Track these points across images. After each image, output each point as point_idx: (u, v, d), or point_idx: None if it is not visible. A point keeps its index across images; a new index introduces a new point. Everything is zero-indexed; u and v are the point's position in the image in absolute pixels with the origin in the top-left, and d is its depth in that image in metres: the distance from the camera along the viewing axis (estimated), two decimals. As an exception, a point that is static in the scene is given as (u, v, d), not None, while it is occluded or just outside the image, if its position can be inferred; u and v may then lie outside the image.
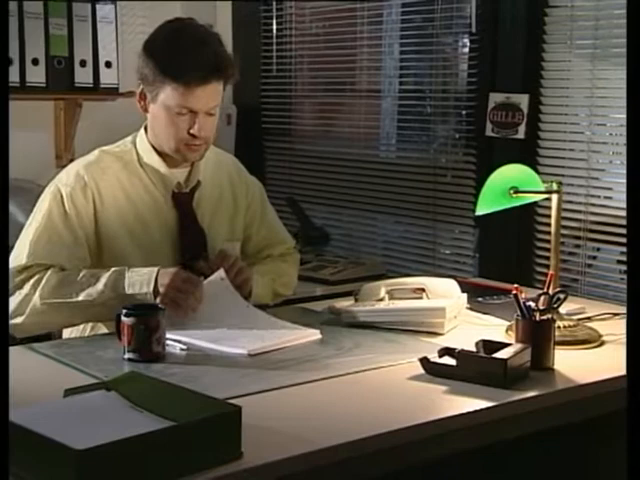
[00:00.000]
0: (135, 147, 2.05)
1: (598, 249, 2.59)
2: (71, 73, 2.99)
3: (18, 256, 1.92)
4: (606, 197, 2.58)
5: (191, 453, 1.24)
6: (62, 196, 1.97)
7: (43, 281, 1.88)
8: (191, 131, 1.94)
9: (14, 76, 2.90)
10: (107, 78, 3.06)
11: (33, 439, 1.20)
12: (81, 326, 2.02)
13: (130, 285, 1.86)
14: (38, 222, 1.96)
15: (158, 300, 1.84)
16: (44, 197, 2.00)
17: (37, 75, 2.93)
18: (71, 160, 2.21)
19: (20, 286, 1.89)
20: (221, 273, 1.93)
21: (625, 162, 2.51)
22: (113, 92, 3.07)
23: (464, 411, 1.53)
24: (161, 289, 1.85)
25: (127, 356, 1.73)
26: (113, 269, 1.89)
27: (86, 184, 1.98)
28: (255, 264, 2.15)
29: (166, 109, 1.93)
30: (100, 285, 1.87)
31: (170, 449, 1.22)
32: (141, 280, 1.86)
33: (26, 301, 1.88)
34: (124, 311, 1.74)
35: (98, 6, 3.03)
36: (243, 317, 1.95)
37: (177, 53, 1.90)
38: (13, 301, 1.87)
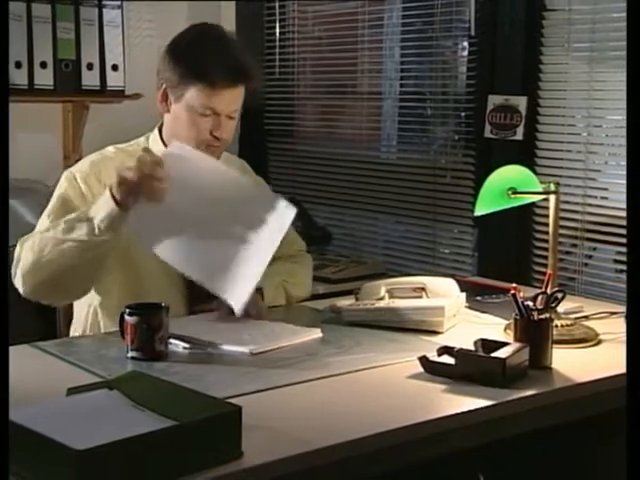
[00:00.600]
0: (148, 147, 2.02)
1: (594, 248, 2.56)
2: (78, 76, 2.98)
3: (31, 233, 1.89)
4: (602, 197, 2.55)
5: (191, 453, 1.21)
6: (77, 179, 1.96)
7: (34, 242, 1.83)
8: (214, 133, 1.91)
9: (23, 79, 2.89)
10: (114, 81, 3.05)
11: (34, 439, 1.17)
12: (87, 325, 1.99)
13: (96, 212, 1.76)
14: (53, 203, 1.95)
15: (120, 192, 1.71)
16: (60, 183, 1.98)
17: (45, 78, 2.92)
18: (77, 160, 2.19)
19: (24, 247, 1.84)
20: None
21: (621, 163, 2.50)
22: (119, 94, 3.06)
23: (463, 410, 1.49)
24: (118, 191, 1.71)
25: (130, 354, 1.70)
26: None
27: (100, 172, 1.97)
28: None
29: (189, 110, 1.91)
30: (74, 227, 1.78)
31: (170, 449, 1.19)
32: (99, 204, 1.76)
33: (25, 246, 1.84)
34: (127, 310, 1.71)
35: (105, 10, 3.01)
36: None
37: (204, 55, 1.89)
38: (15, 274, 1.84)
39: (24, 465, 1.19)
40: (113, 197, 1.72)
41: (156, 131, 2.04)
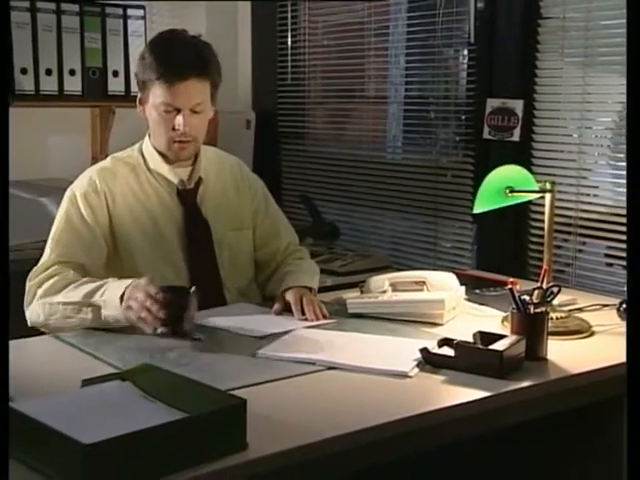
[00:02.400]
0: (141, 152, 1.99)
1: (584, 243, 2.48)
2: (105, 82, 2.92)
3: (43, 257, 1.88)
4: (594, 195, 2.46)
5: (197, 445, 1.13)
6: (77, 199, 1.92)
7: (49, 282, 1.81)
8: (176, 127, 1.87)
9: (53, 85, 2.83)
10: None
11: (45, 431, 1.10)
12: None
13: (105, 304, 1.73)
14: (58, 224, 1.92)
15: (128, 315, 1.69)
16: (63, 202, 1.96)
17: (74, 84, 2.86)
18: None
19: (39, 285, 1.82)
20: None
21: (610, 162, 2.43)
22: (143, 99, 2.99)
23: (462, 401, 1.42)
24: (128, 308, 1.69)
25: (159, 330, 1.66)
26: (98, 294, 1.74)
27: (98, 187, 1.93)
28: (279, 268, 2.05)
29: (155, 109, 1.88)
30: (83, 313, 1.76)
31: (176, 442, 1.12)
32: (110, 296, 1.72)
33: (38, 304, 1.81)
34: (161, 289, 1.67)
35: (129, 21, 2.96)
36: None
37: (161, 54, 1.86)
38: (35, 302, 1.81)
39: (35, 456, 1.12)
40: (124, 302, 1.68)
41: (147, 137, 1.99)
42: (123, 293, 1.69)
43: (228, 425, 1.17)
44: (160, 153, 1.96)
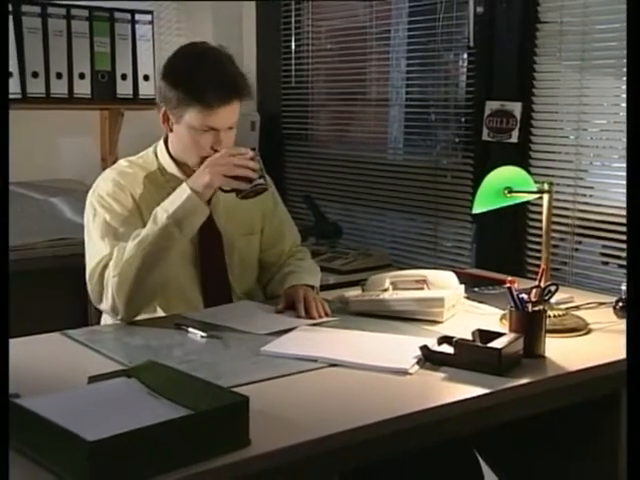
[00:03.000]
0: (157, 158, 1.92)
1: (580, 242, 2.45)
2: (113, 86, 2.89)
3: (90, 260, 1.80)
4: (590, 195, 2.44)
5: (200, 442, 1.11)
6: (104, 198, 1.83)
7: (110, 264, 1.75)
8: (215, 147, 1.81)
9: (63, 89, 2.81)
10: (145, 90, 2.96)
11: (50, 428, 1.09)
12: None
13: (169, 205, 1.74)
14: (94, 228, 1.82)
15: (208, 182, 1.74)
16: (90, 209, 1.85)
17: (84, 87, 2.84)
18: (114, 162, 2.10)
19: (102, 273, 1.75)
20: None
21: (605, 163, 2.41)
22: (150, 102, 2.95)
23: (461, 398, 1.39)
24: (205, 178, 1.74)
25: (256, 182, 1.75)
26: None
27: (124, 186, 1.85)
28: (281, 269, 2.02)
29: (190, 129, 1.80)
30: (145, 230, 1.73)
31: (179, 439, 1.10)
32: (174, 196, 1.75)
33: (109, 287, 1.74)
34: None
35: (137, 26, 2.93)
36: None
37: (197, 77, 1.76)
38: (106, 297, 1.75)
39: (41, 452, 1.10)
40: (190, 187, 1.72)
41: (162, 142, 1.92)
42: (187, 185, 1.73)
43: (231, 422, 1.15)
44: (177, 162, 1.89)
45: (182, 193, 1.74)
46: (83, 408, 1.22)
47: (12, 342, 1.61)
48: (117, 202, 1.83)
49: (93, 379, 1.34)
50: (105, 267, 1.76)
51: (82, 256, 1.85)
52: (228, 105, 1.78)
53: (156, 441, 1.07)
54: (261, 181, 1.76)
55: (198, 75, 1.77)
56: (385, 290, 1.92)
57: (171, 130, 1.85)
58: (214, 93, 1.75)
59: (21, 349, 1.61)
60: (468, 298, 1.98)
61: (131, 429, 1.06)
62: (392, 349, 1.59)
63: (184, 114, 1.79)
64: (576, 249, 2.47)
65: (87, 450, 1.02)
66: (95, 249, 1.80)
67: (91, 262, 1.79)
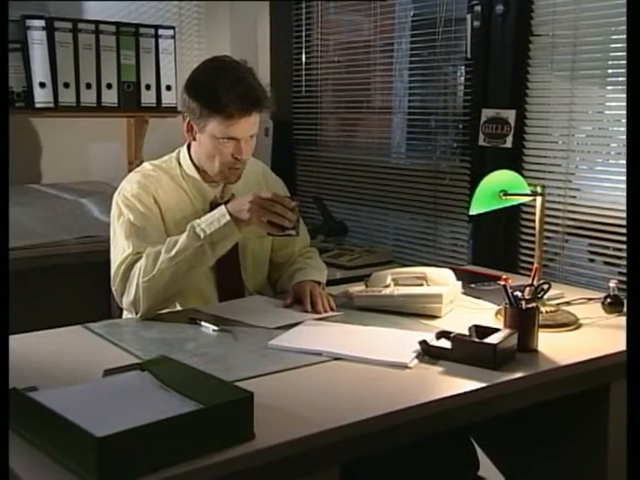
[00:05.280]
0: (179, 163, 1.84)
1: (567, 240, 2.36)
2: (138, 95, 2.83)
3: (116, 259, 1.72)
4: (573, 196, 2.34)
5: (206, 437, 1.04)
6: (129, 199, 1.76)
7: (138, 264, 1.67)
8: (235, 155, 1.73)
9: (92, 98, 2.75)
10: (168, 99, 2.89)
11: (61, 422, 1.01)
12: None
13: (207, 226, 1.65)
14: (119, 228, 1.74)
15: (248, 220, 1.64)
16: (116, 210, 1.77)
17: (111, 97, 2.78)
18: (139, 165, 2.03)
19: (125, 276, 1.68)
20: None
21: (593, 167, 2.32)
22: (173, 110, 2.90)
23: (459, 391, 1.31)
24: (245, 214, 1.64)
25: (287, 232, 1.66)
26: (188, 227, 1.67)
27: (149, 188, 1.77)
28: (292, 265, 1.94)
29: (212, 138, 1.72)
30: (180, 244, 1.64)
31: (185, 434, 1.02)
32: (212, 218, 1.66)
33: (135, 287, 1.66)
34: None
35: (160, 40, 2.87)
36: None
37: (219, 90, 1.68)
38: (129, 293, 1.67)
39: (53, 445, 1.03)
40: (230, 214, 1.64)
41: (185, 149, 1.85)
42: (228, 211, 1.64)
43: (236, 417, 1.08)
44: (198, 169, 1.81)
45: (221, 218, 1.65)
46: (96, 402, 1.15)
47: (34, 335, 1.57)
48: (140, 202, 1.76)
49: (108, 372, 1.27)
50: (128, 266, 1.68)
51: (108, 252, 1.78)
52: (249, 116, 1.70)
53: (162, 436, 1.00)
54: (292, 232, 1.66)
55: (220, 87, 1.68)
56: (387, 286, 1.84)
57: (194, 139, 1.78)
58: (235, 105, 1.67)
59: (43, 341, 1.55)
60: (465, 294, 1.89)
61: (138, 425, 0.98)
62: (393, 343, 1.51)
63: (207, 124, 1.71)
64: (563, 247, 2.38)
65: (95, 445, 0.95)
66: (119, 247, 1.73)
67: (116, 260, 1.72)
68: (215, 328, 1.59)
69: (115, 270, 1.71)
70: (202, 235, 1.64)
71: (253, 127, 1.74)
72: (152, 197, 1.77)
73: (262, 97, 1.72)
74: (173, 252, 1.64)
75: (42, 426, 1.05)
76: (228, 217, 1.64)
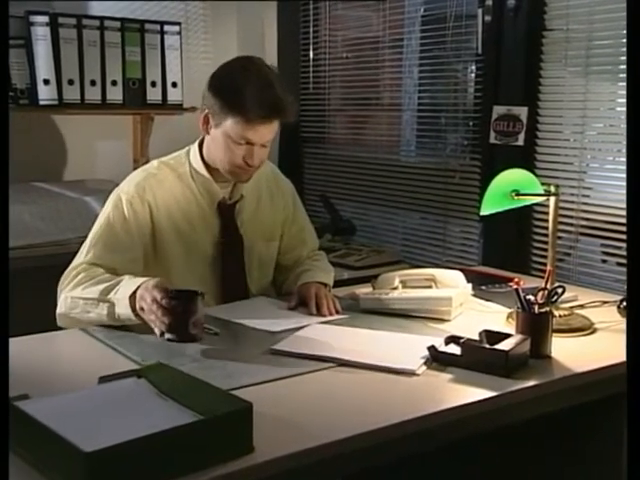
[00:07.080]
0: (189, 160, 1.78)
1: (578, 240, 2.29)
2: (144, 92, 2.77)
3: (77, 257, 1.68)
4: (587, 195, 2.27)
5: (202, 450, 0.98)
6: (122, 203, 1.71)
7: (79, 277, 1.62)
8: (246, 160, 1.67)
9: (97, 95, 2.70)
10: (173, 96, 2.84)
11: (49, 434, 0.96)
12: None
13: (119, 299, 1.53)
14: (99, 226, 1.71)
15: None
16: (107, 204, 1.74)
17: (116, 94, 2.72)
18: (145, 163, 1.97)
19: (68, 281, 1.63)
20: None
21: (603, 166, 2.25)
22: (178, 107, 2.86)
23: (469, 401, 1.25)
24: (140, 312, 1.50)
25: (166, 336, 1.43)
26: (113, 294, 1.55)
27: (145, 192, 1.72)
28: (298, 267, 1.88)
29: (227, 137, 1.65)
30: (102, 310, 1.56)
31: (180, 447, 0.96)
32: (121, 294, 1.53)
33: (62, 297, 1.63)
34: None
35: (166, 36, 2.81)
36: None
37: (243, 90, 1.61)
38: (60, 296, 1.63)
39: (41, 458, 0.98)
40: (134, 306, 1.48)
41: (196, 145, 1.78)
42: (134, 292, 1.49)
43: (234, 429, 1.02)
44: (209, 168, 1.76)
45: (124, 305, 1.51)
46: (89, 411, 1.09)
47: (32, 338, 1.52)
48: (129, 207, 1.71)
49: (104, 379, 1.22)
50: (76, 275, 1.62)
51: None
52: (269, 123, 1.64)
53: (155, 451, 0.94)
54: (190, 330, 1.41)
55: (247, 89, 1.61)
56: (394, 288, 1.78)
57: (208, 133, 1.71)
58: (258, 111, 1.61)
59: (40, 345, 1.50)
60: (475, 296, 1.83)
61: (129, 439, 0.93)
62: (400, 349, 1.45)
63: (224, 121, 1.65)
64: (572, 247, 2.31)
65: (83, 461, 0.89)
66: (86, 245, 1.69)
67: (75, 260, 1.67)
68: (217, 332, 1.53)
69: (68, 272, 1.65)
70: (110, 307, 1.54)
71: (270, 134, 1.67)
72: (146, 203, 1.71)
73: (287, 106, 1.65)
74: (101, 301, 1.55)
75: (28, 438, 0.99)
76: (130, 311, 1.50)
